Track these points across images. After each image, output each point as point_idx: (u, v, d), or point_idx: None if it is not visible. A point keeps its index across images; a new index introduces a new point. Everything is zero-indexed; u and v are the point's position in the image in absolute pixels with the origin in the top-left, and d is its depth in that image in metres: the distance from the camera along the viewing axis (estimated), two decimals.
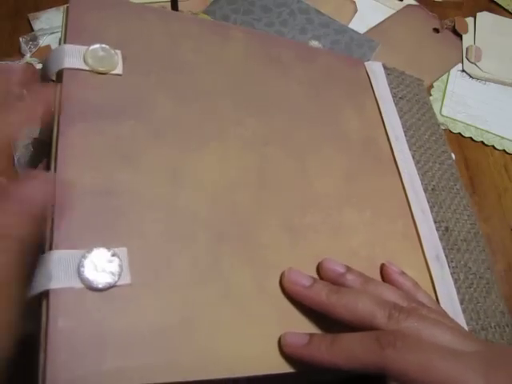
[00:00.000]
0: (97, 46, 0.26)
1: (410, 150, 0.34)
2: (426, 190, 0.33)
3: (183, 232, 0.23)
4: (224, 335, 0.22)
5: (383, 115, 0.35)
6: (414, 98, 0.39)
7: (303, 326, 0.24)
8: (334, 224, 0.28)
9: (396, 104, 0.36)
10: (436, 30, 0.56)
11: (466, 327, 0.28)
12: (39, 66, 0.44)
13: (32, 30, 0.47)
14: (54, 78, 0.26)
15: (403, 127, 0.35)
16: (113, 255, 0.21)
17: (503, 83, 0.53)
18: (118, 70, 0.26)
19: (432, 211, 0.32)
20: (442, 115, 0.50)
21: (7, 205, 0.20)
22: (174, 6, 0.48)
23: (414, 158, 0.34)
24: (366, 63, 0.38)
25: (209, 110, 0.28)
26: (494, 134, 0.49)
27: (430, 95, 0.51)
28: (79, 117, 0.24)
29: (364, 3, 0.58)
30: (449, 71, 0.53)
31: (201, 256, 0.23)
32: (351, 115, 0.34)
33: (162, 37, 0.29)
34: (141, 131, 0.25)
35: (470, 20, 0.57)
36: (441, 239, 0.31)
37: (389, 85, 0.37)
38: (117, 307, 0.20)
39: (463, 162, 0.47)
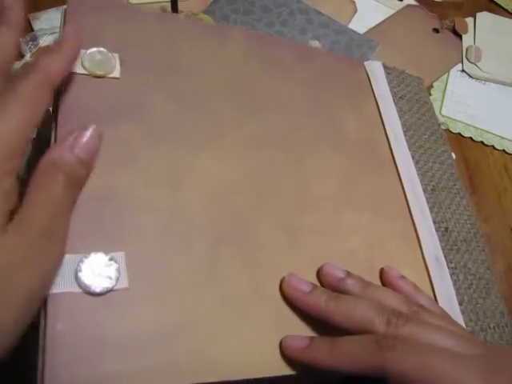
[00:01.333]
0: (94, 49, 0.26)
1: (409, 149, 0.34)
2: (425, 191, 0.33)
3: (181, 235, 0.24)
4: (222, 338, 0.22)
5: (383, 115, 0.35)
6: (414, 97, 0.39)
7: (301, 330, 0.24)
8: (332, 225, 0.28)
9: (396, 104, 0.36)
10: (436, 30, 0.56)
11: (464, 328, 0.28)
12: None
13: (32, 30, 0.47)
14: None
15: (403, 127, 0.35)
16: (110, 259, 0.21)
17: (503, 83, 0.53)
18: (116, 73, 0.26)
19: (432, 212, 0.32)
20: (442, 115, 0.50)
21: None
22: (174, 6, 0.48)
23: (413, 158, 0.34)
24: (365, 63, 0.38)
25: (207, 112, 0.28)
26: (494, 134, 0.49)
27: (430, 95, 0.51)
28: (76, 120, 0.24)
29: (364, 3, 0.58)
30: (449, 71, 0.53)
31: (199, 259, 0.23)
32: (350, 115, 0.34)
33: (160, 39, 0.29)
34: (139, 134, 0.25)
35: (469, 20, 0.57)
36: (440, 240, 0.31)
37: (389, 84, 0.37)
38: (115, 311, 0.20)
39: (463, 161, 0.47)
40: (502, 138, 0.49)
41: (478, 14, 0.58)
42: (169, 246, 0.23)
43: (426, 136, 0.36)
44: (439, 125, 0.38)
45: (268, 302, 0.24)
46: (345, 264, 0.26)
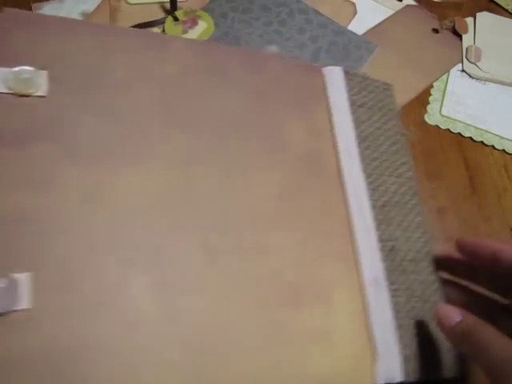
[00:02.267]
0: (19, 68, 0.26)
1: (361, 162, 0.32)
2: (374, 207, 0.31)
3: (93, 255, 0.23)
4: (123, 362, 0.22)
5: (334, 125, 0.33)
6: (377, 105, 0.36)
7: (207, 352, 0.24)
8: (258, 245, 0.27)
9: (353, 112, 0.34)
10: (435, 31, 0.56)
11: (398, 355, 0.26)
12: None
13: None
14: None
15: (358, 138, 0.33)
16: (11, 281, 0.21)
17: (503, 83, 0.53)
18: (42, 91, 0.26)
19: (378, 229, 0.30)
20: (442, 115, 0.49)
21: None
22: (173, 4, 0.48)
23: (364, 171, 0.32)
24: (324, 69, 0.36)
25: (135, 129, 0.28)
26: (494, 134, 0.49)
27: (430, 95, 0.51)
28: None
29: (363, 3, 0.58)
30: (449, 71, 0.53)
31: (108, 280, 0.23)
32: (297, 126, 0.32)
33: (94, 53, 0.29)
34: (57, 153, 0.25)
35: (469, 20, 0.57)
36: (384, 260, 0.29)
37: (348, 92, 0.35)
38: (15, 332, 0.21)
39: (463, 161, 0.47)
40: (502, 137, 0.49)
41: (478, 14, 0.58)
42: (79, 265, 0.23)
43: (385, 147, 0.34)
44: (403, 134, 0.36)
45: (174, 322, 0.23)
46: (267, 285, 0.25)
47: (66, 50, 0.28)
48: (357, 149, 0.32)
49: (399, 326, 0.27)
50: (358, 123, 0.34)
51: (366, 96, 0.36)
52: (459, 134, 0.49)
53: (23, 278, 0.22)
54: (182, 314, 0.24)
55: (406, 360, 0.26)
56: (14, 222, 0.23)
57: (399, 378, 0.25)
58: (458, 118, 0.49)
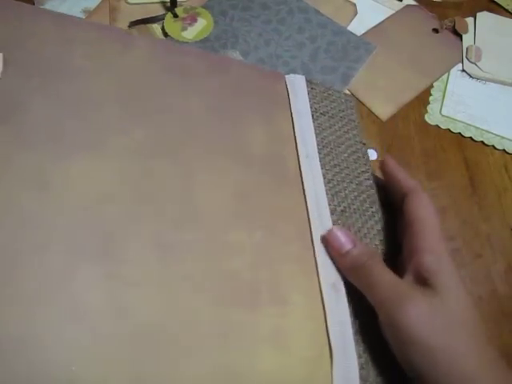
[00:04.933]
0: None
1: (322, 168, 0.32)
2: (333, 212, 0.30)
3: (35, 242, 0.23)
4: (74, 355, 0.21)
5: (296, 131, 0.33)
6: (339, 114, 0.36)
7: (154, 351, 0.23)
8: (215, 243, 0.26)
9: (315, 120, 0.34)
10: (435, 30, 0.56)
11: (355, 360, 0.26)
12: None
13: None
14: None
15: (319, 144, 0.33)
16: None
17: (503, 83, 0.52)
18: None
19: None
20: (442, 115, 0.49)
21: None
22: (173, 2, 0.48)
23: (325, 177, 0.31)
24: (287, 77, 0.36)
25: (91, 118, 0.27)
26: (494, 134, 0.48)
27: (430, 95, 0.51)
28: None
29: (363, 3, 0.57)
30: (449, 71, 0.53)
31: (51, 269, 0.22)
32: (258, 130, 0.32)
33: (54, 41, 0.29)
34: (10, 136, 0.24)
35: (469, 20, 0.57)
36: None
37: (310, 99, 0.35)
38: None
39: (463, 161, 0.47)
40: (503, 137, 0.48)
41: (478, 14, 0.58)
42: (24, 250, 0.22)
43: (346, 155, 0.34)
44: (363, 144, 0.36)
45: (124, 317, 0.23)
46: (223, 284, 0.25)
47: (25, 35, 0.28)
48: (318, 155, 0.32)
49: (357, 332, 0.27)
50: (319, 130, 0.34)
51: (328, 105, 0.36)
52: (459, 133, 0.48)
53: None
54: (131, 308, 0.23)
55: (363, 365, 0.26)
56: None
57: (356, 382, 0.25)
58: (458, 118, 0.49)
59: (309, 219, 0.29)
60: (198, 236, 0.26)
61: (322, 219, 0.29)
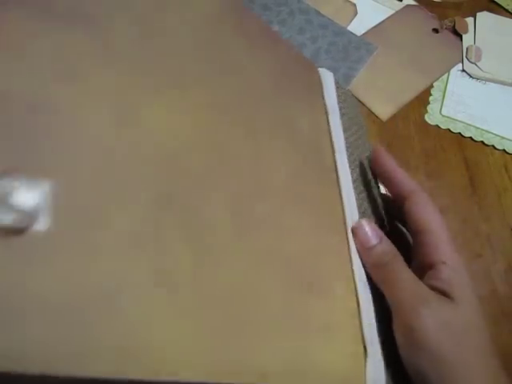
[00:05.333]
0: None
1: (349, 167, 0.31)
2: (359, 212, 0.30)
3: (122, 184, 0.19)
4: (152, 323, 0.17)
5: (330, 125, 0.32)
6: (355, 118, 0.36)
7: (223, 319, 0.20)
8: (276, 224, 0.25)
9: (340, 118, 0.34)
10: (435, 31, 0.56)
11: (382, 359, 0.25)
12: None
13: None
14: None
15: (345, 143, 0.33)
16: (29, 188, 0.15)
17: (503, 83, 0.53)
18: None
19: None
20: (442, 115, 0.49)
21: None
22: None
23: (352, 176, 0.31)
24: (319, 69, 0.35)
25: (174, 58, 0.24)
26: (494, 134, 0.49)
27: (430, 95, 0.51)
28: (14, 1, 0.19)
29: (363, 3, 0.58)
30: (449, 71, 0.53)
31: (140, 219, 0.18)
32: (302, 115, 0.31)
33: None
34: (94, 49, 0.21)
35: (469, 20, 0.57)
36: None
37: (338, 97, 0.35)
38: (24, 259, 0.14)
39: (463, 161, 0.47)
40: (503, 137, 0.48)
41: (478, 14, 0.58)
42: (108, 192, 0.18)
43: (361, 160, 0.33)
44: (370, 152, 0.35)
45: (201, 291, 0.19)
46: (278, 268, 0.23)
47: None
48: (346, 153, 0.32)
49: (380, 332, 0.27)
50: (344, 129, 0.33)
51: (348, 107, 0.36)
52: (459, 133, 0.48)
53: (43, 187, 0.16)
54: (208, 280, 0.19)
55: (388, 365, 0.26)
56: (35, 114, 0.17)
57: (383, 382, 0.25)
58: (458, 118, 0.49)
59: (344, 214, 0.29)
60: (264, 212, 0.24)
61: (353, 217, 0.29)
